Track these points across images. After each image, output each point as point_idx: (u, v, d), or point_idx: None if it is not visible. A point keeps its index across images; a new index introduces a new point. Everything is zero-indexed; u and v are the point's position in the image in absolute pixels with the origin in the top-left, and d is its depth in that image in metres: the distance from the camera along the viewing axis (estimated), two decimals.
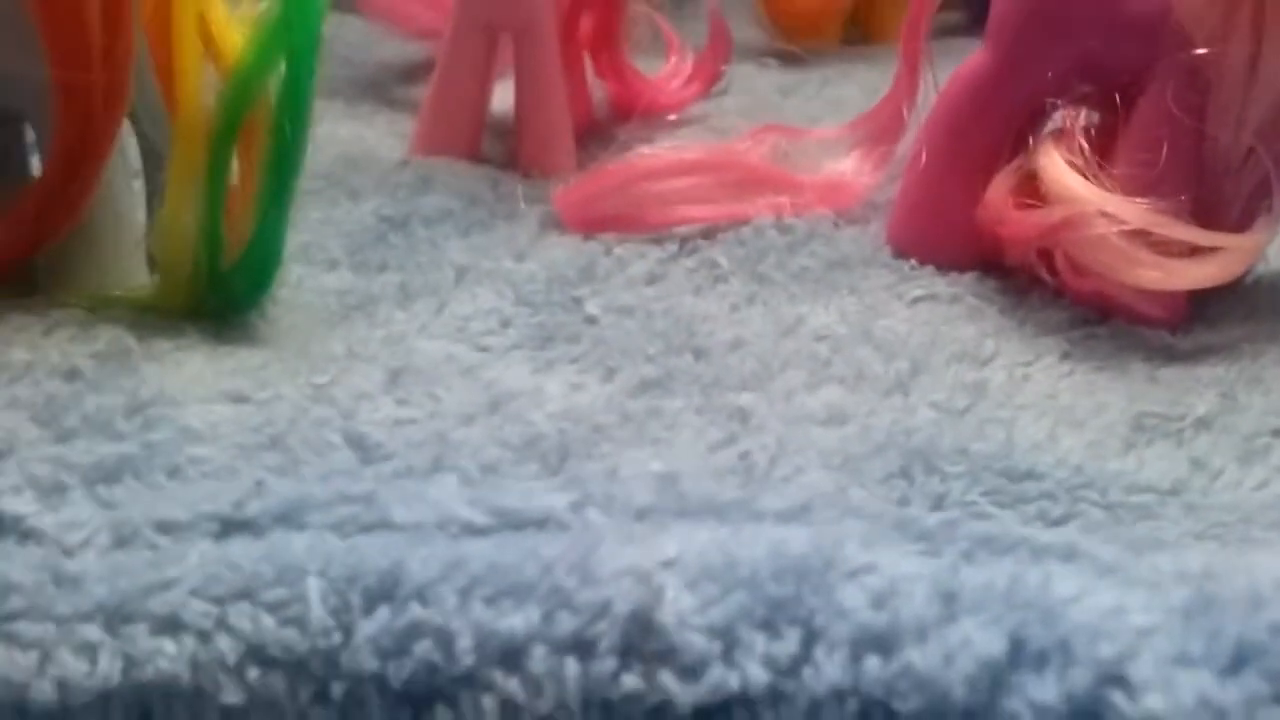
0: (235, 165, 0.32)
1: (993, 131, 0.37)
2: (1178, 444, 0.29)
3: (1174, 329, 0.35)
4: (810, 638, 0.18)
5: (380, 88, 0.55)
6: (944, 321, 0.35)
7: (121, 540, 0.22)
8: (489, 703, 0.18)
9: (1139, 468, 0.28)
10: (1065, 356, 0.33)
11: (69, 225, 0.32)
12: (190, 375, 0.28)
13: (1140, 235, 0.33)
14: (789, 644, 0.18)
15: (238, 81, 0.31)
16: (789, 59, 0.58)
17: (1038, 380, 0.32)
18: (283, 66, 0.31)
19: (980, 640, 0.17)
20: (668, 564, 0.19)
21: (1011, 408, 0.30)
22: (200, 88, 0.31)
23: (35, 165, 0.33)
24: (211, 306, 0.32)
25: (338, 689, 0.19)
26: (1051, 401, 0.31)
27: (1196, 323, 0.35)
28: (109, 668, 0.19)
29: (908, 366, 0.32)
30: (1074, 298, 0.35)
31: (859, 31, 0.63)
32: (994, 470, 0.27)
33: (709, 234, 0.39)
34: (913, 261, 0.38)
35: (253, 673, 0.19)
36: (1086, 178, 0.34)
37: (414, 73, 0.56)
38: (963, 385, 0.31)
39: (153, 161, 0.34)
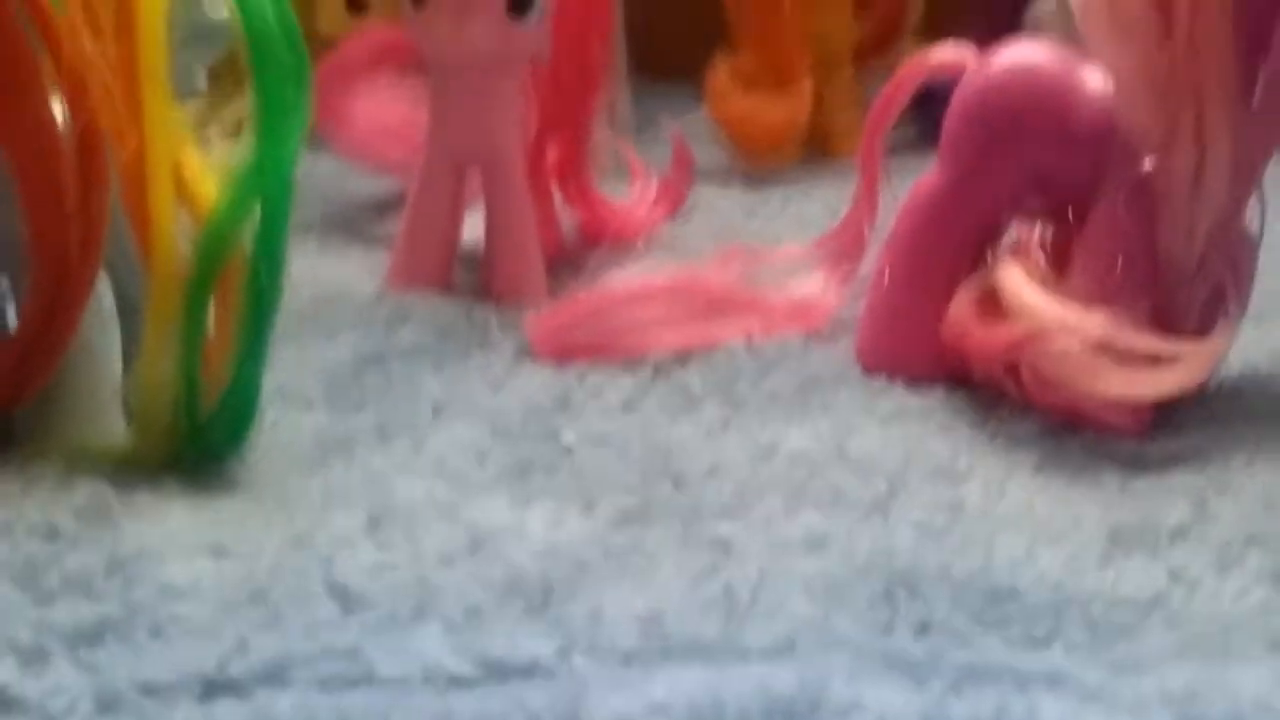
0: (211, 313, 0.32)
1: (951, 248, 0.38)
2: (1154, 555, 0.29)
3: (1142, 437, 0.35)
4: None
5: (354, 223, 0.55)
6: (917, 438, 0.35)
7: (105, 705, 0.22)
8: None
9: (1118, 582, 0.28)
10: (1038, 469, 0.34)
11: (45, 378, 0.32)
12: (170, 529, 0.28)
13: (1102, 346, 0.34)
14: None
15: (213, 230, 0.31)
16: (751, 178, 0.60)
17: (1013, 495, 0.32)
18: (257, 213, 0.31)
19: None
20: (655, 709, 0.19)
21: (990, 524, 0.31)
22: (175, 237, 0.31)
23: (11, 316, 0.33)
24: (189, 455, 0.32)
25: None
26: (1028, 516, 0.31)
27: (1163, 430, 0.35)
28: None
29: (885, 486, 0.32)
30: (1042, 409, 0.36)
31: (817, 148, 0.64)
32: (976, 591, 0.28)
33: (681, 359, 0.39)
34: (882, 378, 0.38)
35: None
36: (1046, 291, 0.35)
37: (386, 207, 0.57)
38: (940, 503, 0.32)
39: (128, 312, 0.34)
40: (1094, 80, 0.36)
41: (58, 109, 0.31)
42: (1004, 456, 0.34)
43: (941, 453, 0.34)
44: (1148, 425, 0.35)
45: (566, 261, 0.49)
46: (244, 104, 0.32)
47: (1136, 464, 0.34)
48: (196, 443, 0.32)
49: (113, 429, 0.33)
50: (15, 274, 0.33)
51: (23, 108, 0.30)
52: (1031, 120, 0.37)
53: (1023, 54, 0.38)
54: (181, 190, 0.32)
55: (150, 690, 0.22)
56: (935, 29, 0.69)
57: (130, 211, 0.32)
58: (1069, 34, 0.40)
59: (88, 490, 0.29)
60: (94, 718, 0.22)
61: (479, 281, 0.47)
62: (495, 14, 0.43)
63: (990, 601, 0.27)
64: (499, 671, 0.21)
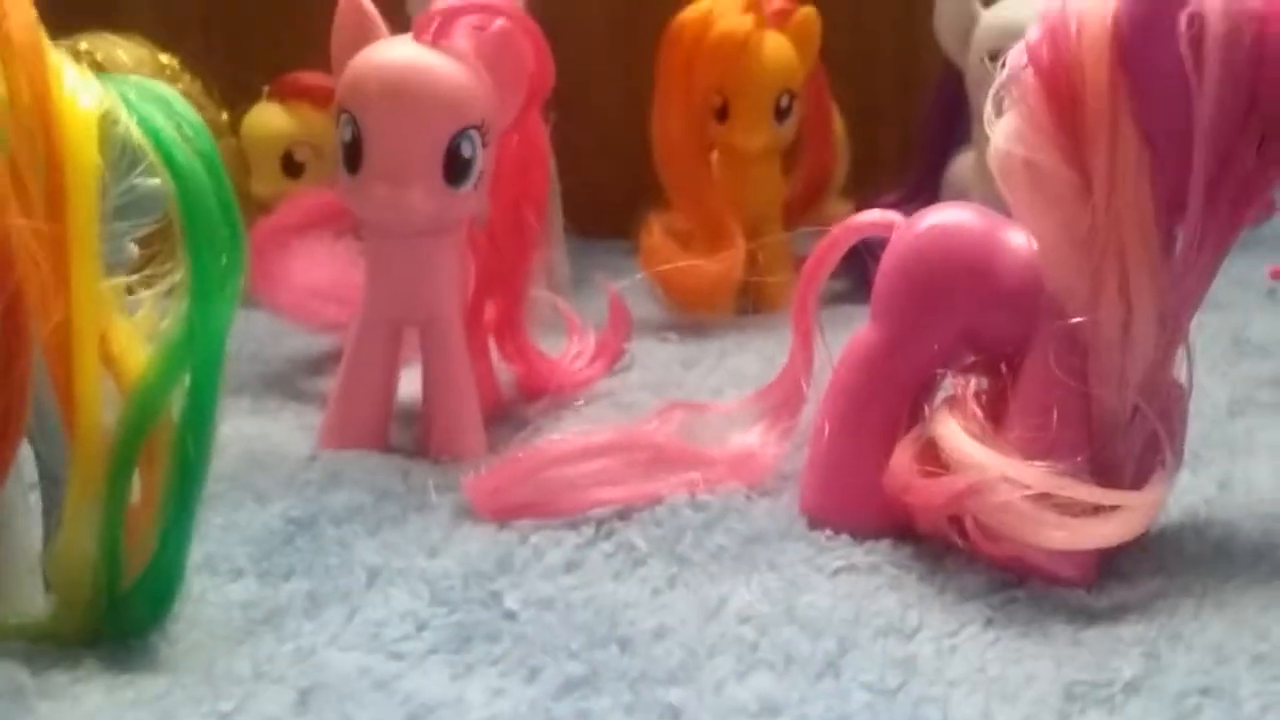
0: (136, 482, 0.31)
1: (888, 402, 0.38)
2: (1110, 711, 0.29)
3: (1088, 587, 0.35)
4: None
5: (286, 381, 0.55)
6: (865, 594, 0.35)
7: None
8: None
9: None
10: (989, 624, 0.33)
11: None
12: (88, 711, 0.27)
13: (1044, 498, 0.34)
14: None
15: (139, 399, 0.30)
16: (688, 330, 0.60)
17: (965, 651, 0.32)
18: (186, 382, 0.31)
19: None
20: None
21: (943, 684, 0.30)
22: (99, 407, 0.30)
23: None
24: (110, 630, 0.30)
25: None
26: (981, 674, 0.31)
27: (1110, 579, 0.35)
28: None
29: (835, 645, 0.32)
30: (989, 561, 0.36)
31: (750, 303, 0.65)
32: None
33: (624, 515, 0.39)
34: (828, 531, 0.38)
35: None
36: (984, 444, 0.35)
37: (320, 364, 0.56)
38: (892, 662, 0.31)
39: (49, 482, 0.33)
40: (1018, 240, 0.37)
41: None
42: (954, 610, 0.34)
43: (891, 608, 0.34)
44: (1094, 575, 0.35)
45: (505, 417, 0.48)
46: (176, 272, 0.31)
47: (1086, 615, 0.34)
48: (118, 617, 0.30)
49: (30, 602, 0.32)
50: None
51: None
52: (959, 280, 0.37)
53: (948, 216, 0.39)
54: (108, 360, 0.31)
55: None
56: (859, 187, 0.72)
57: (55, 381, 0.31)
58: (987, 193, 0.42)
59: (2, 672, 0.27)
60: None
61: (416, 439, 0.46)
62: (432, 180, 0.43)
63: None
64: None
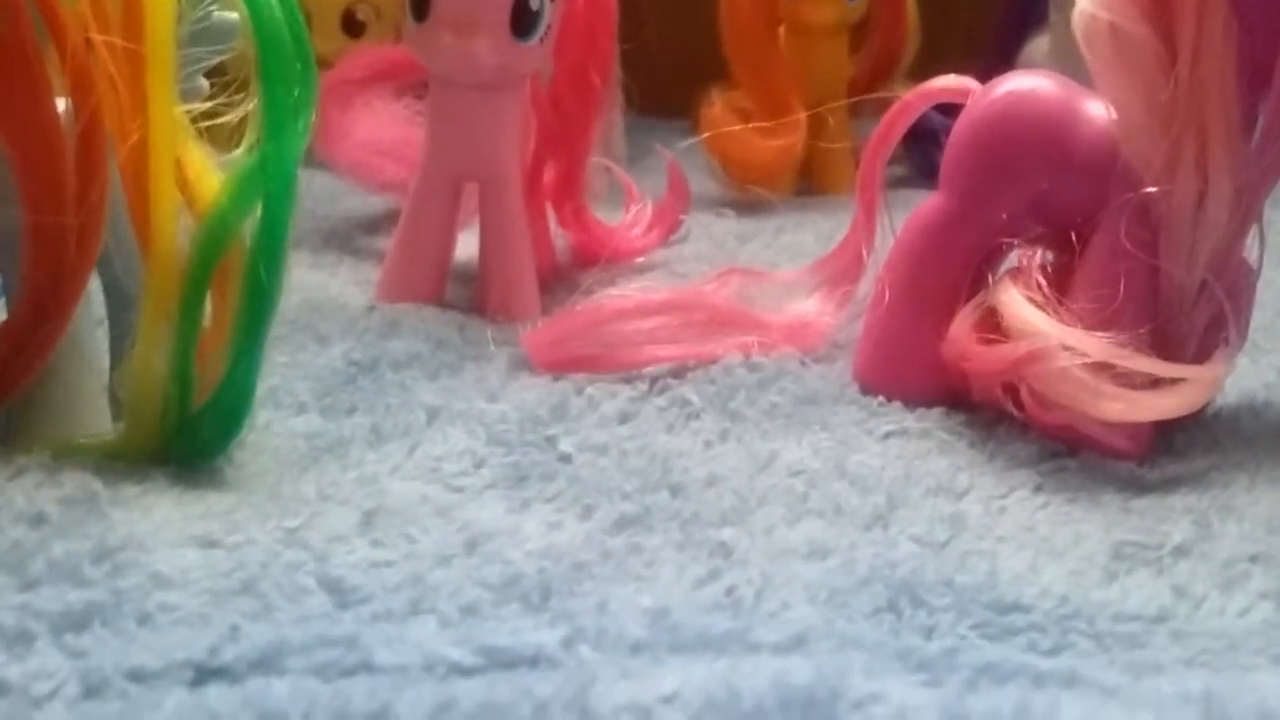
0: (208, 308, 0.31)
1: (951, 271, 0.38)
2: (1158, 572, 0.29)
3: (1141, 461, 0.35)
4: None
5: (344, 238, 0.55)
6: (916, 456, 0.35)
7: (91, 690, 0.21)
8: None
9: (1123, 597, 0.28)
10: (1038, 489, 0.33)
11: (37, 369, 0.31)
12: (158, 520, 0.28)
13: (1102, 368, 0.34)
14: None
15: (213, 224, 0.31)
16: (745, 208, 0.60)
17: (1014, 513, 0.32)
18: (258, 210, 0.31)
19: None
20: (668, 699, 0.18)
21: (991, 540, 0.30)
22: (175, 231, 0.31)
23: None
24: (178, 451, 0.31)
25: None
26: (1030, 533, 0.31)
27: (1163, 455, 0.35)
28: None
29: (884, 500, 0.32)
30: (1041, 431, 0.36)
31: (810, 183, 0.65)
32: (980, 603, 0.27)
33: (679, 373, 0.39)
34: (880, 398, 0.38)
35: None
36: (1046, 313, 0.35)
37: (377, 223, 0.56)
38: (941, 518, 0.31)
39: (120, 304, 0.34)
40: (1095, 109, 0.37)
41: (60, 101, 0.31)
42: (1003, 476, 0.34)
43: (941, 470, 0.34)
44: (1147, 448, 0.35)
45: (558, 282, 0.48)
46: (246, 106, 0.32)
47: (1136, 486, 0.34)
48: (187, 438, 0.31)
49: (99, 423, 0.32)
50: (10, 271, 0.32)
51: (25, 99, 0.30)
52: (1033, 147, 0.37)
53: (1025, 83, 0.38)
54: (182, 185, 0.32)
55: (138, 676, 0.21)
56: (928, 70, 0.70)
57: (131, 203, 0.31)
58: (1063, 73, 0.41)
59: (75, 480, 0.28)
60: (79, 703, 0.21)
61: (471, 299, 0.46)
62: (499, 30, 0.43)
63: (995, 613, 0.27)
64: (502, 661, 0.21)
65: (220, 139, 0.33)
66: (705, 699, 0.18)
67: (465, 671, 0.21)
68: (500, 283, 0.46)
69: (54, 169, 0.30)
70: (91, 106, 0.30)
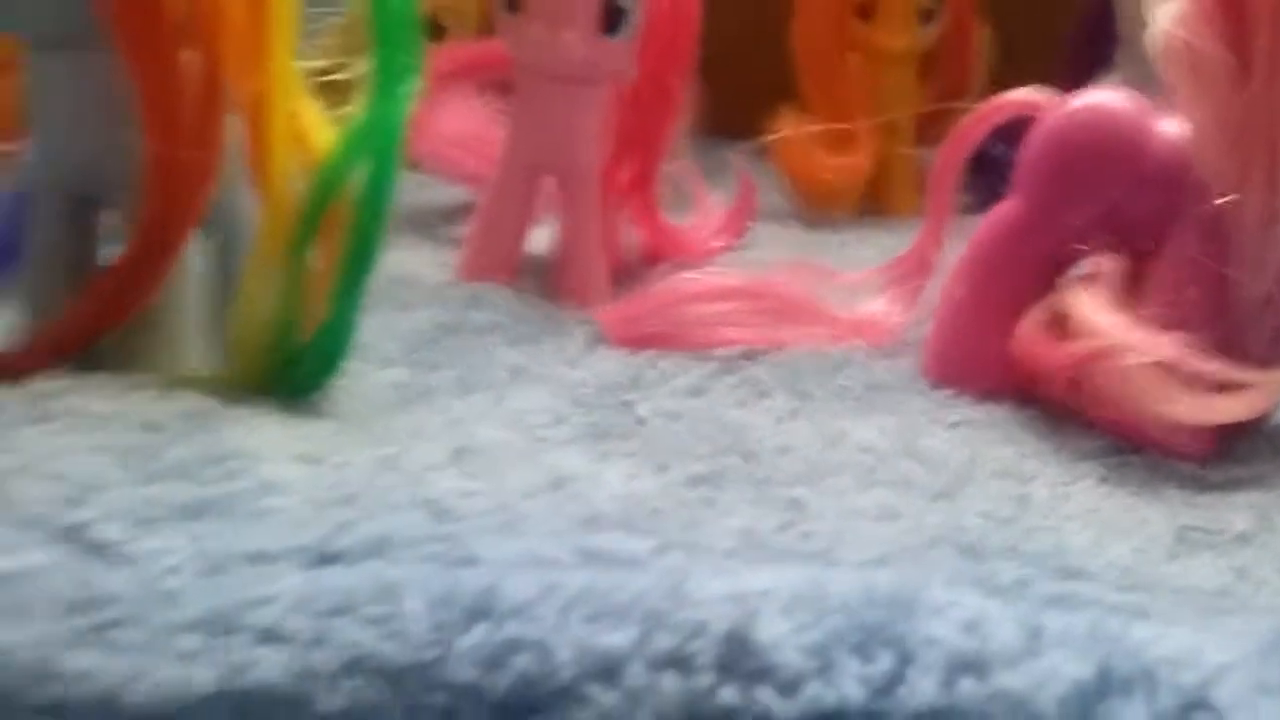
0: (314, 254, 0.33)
1: (1023, 274, 0.39)
2: (1220, 554, 0.30)
3: (1203, 463, 0.36)
4: (904, 659, 0.18)
5: (423, 226, 0.57)
6: (983, 443, 0.36)
7: (214, 567, 0.22)
8: (587, 715, 0.18)
9: (1185, 573, 0.29)
10: (1103, 480, 0.34)
11: (146, 301, 0.33)
12: (265, 437, 0.29)
13: (1169, 370, 0.35)
14: (883, 665, 0.18)
15: (324, 176, 0.33)
16: (810, 223, 0.61)
17: (1079, 498, 0.33)
18: (366, 165, 0.33)
19: (1068, 668, 0.18)
20: (761, 593, 0.19)
21: (1057, 518, 0.31)
22: (289, 178, 0.33)
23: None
24: (279, 387, 0.33)
25: (436, 700, 0.19)
26: (1095, 515, 0.32)
27: (1225, 459, 0.36)
28: (206, 675, 0.19)
29: (952, 479, 0.33)
30: (1105, 429, 0.36)
31: (875, 204, 0.66)
32: (1047, 569, 0.28)
33: (749, 355, 0.40)
34: (948, 391, 0.39)
35: (352, 683, 0.19)
36: (1115, 315, 0.36)
37: (456, 214, 0.58)
38: (1007, 497, 0.32)
39: (232, 247, 0.35)
40: (1169, 125, 0.38)
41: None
42: (1069, 466, 0.35)
43: (1007, 457, 0.35)
44: (1210, 451, 0.36)
45: (626, 278, 0.50)
46: (358, 66, 0.34)
47: (1199, 483, 0.35)
48: (287, 374, 0.33)
49: (202, 360, 0.34)
50: (123, 207, 0.34)
51: (154, 40, 0.32)
52: (1108, 158, 0.38)
53: (1101, 96, 0.39)
54: (297, 138, 0.33)
55: (256, 559, 0.23)
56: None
57: (251, 148, 0.33)
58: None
59: (187, 397, 0.30)
60: (203, 577, 0.22)
61: (544, 288, 0.48)
62: (588, 25, 0.44)
63: (1062, 576, 0.28)
64: (600, 560, 0.22)
65: (332, 97, 0.35)
66: (795, 594, 0.19)
67: (566, 566, 0.22)
68: (574, 273, 0.47)
69: (174, 104, 0.32)
70: (216, 49, 0.32)
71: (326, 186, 0.33)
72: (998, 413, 0.38)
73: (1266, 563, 0.29)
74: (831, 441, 0.35)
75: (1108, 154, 0.38)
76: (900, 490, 0.32)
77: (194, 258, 0.34)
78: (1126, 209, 0.38)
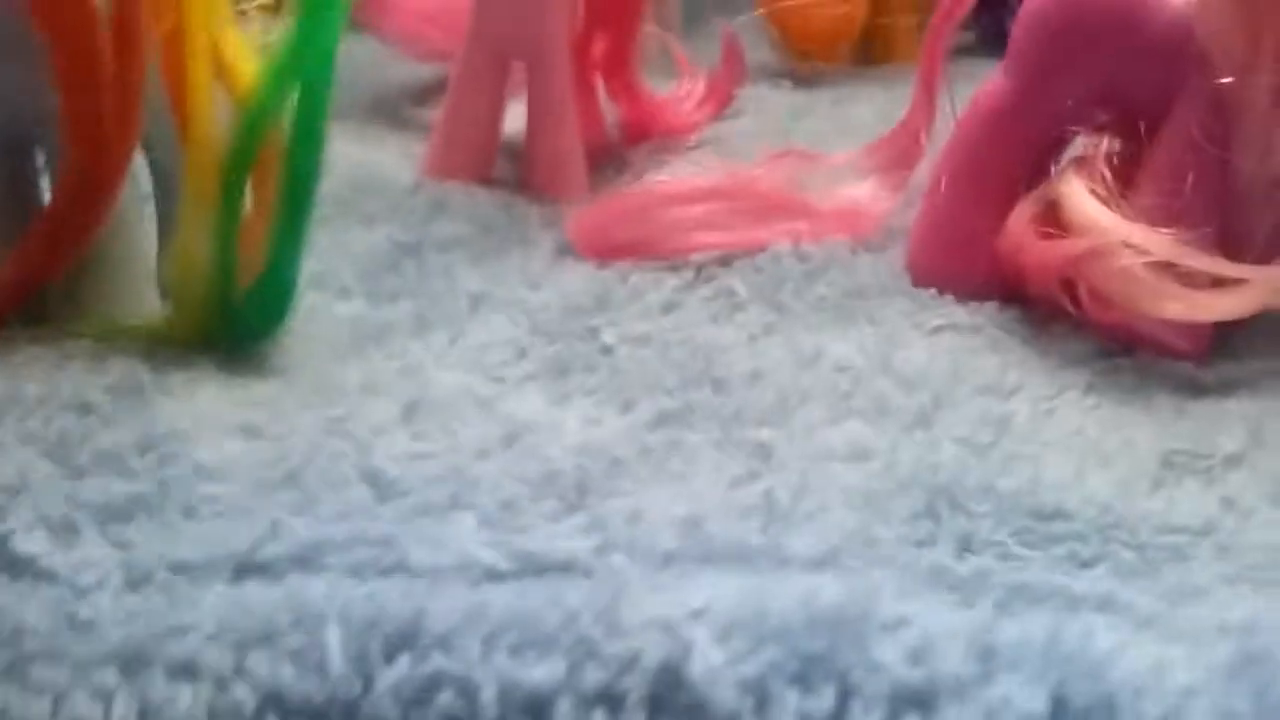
0: (249, 195, 0.31)
1: (1013, 159, 0.37)
2: (1208, 482, 0.28)
3: (1199, 361, 0.34)
4: (846, 693, 0.17)
5: (391, 109, 0.54)
6: (965, 352, 0.34)
7: (135, 582, 0.21)
8: None
9: (1169, 507, 0.27)
10: (1090, 389, 0.33)
11: (80, 251, 0.32)
12: (203, 408, 0.28)
13: (1164, 266, 0.33)
14: (824, 700, 0.17)
15: (251, 110, 0.30)
16: (801, 80, 0.58)
17: (1063, 414, 0.32)
18: (296, 95, 0.31)
19: (1021, 698, 0.17)
20: (696, 614, 0.18)
21: (1037, 444, 0.30)
22: (213, 115, 0.31)
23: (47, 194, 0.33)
24: (224, 338, 0.32)
25: None
26: (1078, 437, 0.30)
27: (1221, 356, 0.34)
28: (124, 713, 0.19)
29: (929, 399, 0.32)
30: (1097, 329, 0.35)
31: (870, 52, 0.63)
32: (1021, 510, 0.27)
33: (725, 261, 0.38)
34: (932, 290, 0.37)
35: None
36: (1110, 207, 0.34)
37: (425, 94, 0.55)
38: (986, 420, 0.31)
39: (165, 189, 0.34)
40: None
41: None
42: (1054, 375, 0.33)
43: (989, 368, 0.33)
44: (1205, 349, 0.34)
45: (609, 158, 0.47)
46: None
47: (1192, 388, 0.33)
48: (231, 325, 0.31)
49: (147, 306, 0.33)
50: (52, 148, 0.32)
51: None
52: (1103, 28, 0.35)
53: None
54: (220, 68, 0.31)
55: (180, 569, 0.22)
56: None
57: (169, 87, 0.31)
58: None
59: (122, 367, 0.29)
60: (124, 593, 0.21)
61: (519, 175, 0.46)
62: None
63: (1036, 520, 0.26)
64: (535, 567, 0.21)
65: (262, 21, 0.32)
66: (733, 617, 0.18)
67: (498, 576, 0.21)
68: (547, 160, 0.45)
69: (89, 49, 0.29)
70: None
71: (254, 122, 0.30)
72: (983, 315, 0.36)
73: (1255, 488, 0.28)
74: (806, 363, 0.33)
75: (1103, 25, 0.35)
76: (873, 420, 0.30)
77: (132, 205, 0.33)
78: (1123, 84, 0.35)
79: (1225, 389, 0.33)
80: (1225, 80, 0.33)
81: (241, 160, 0.30)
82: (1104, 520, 0.27)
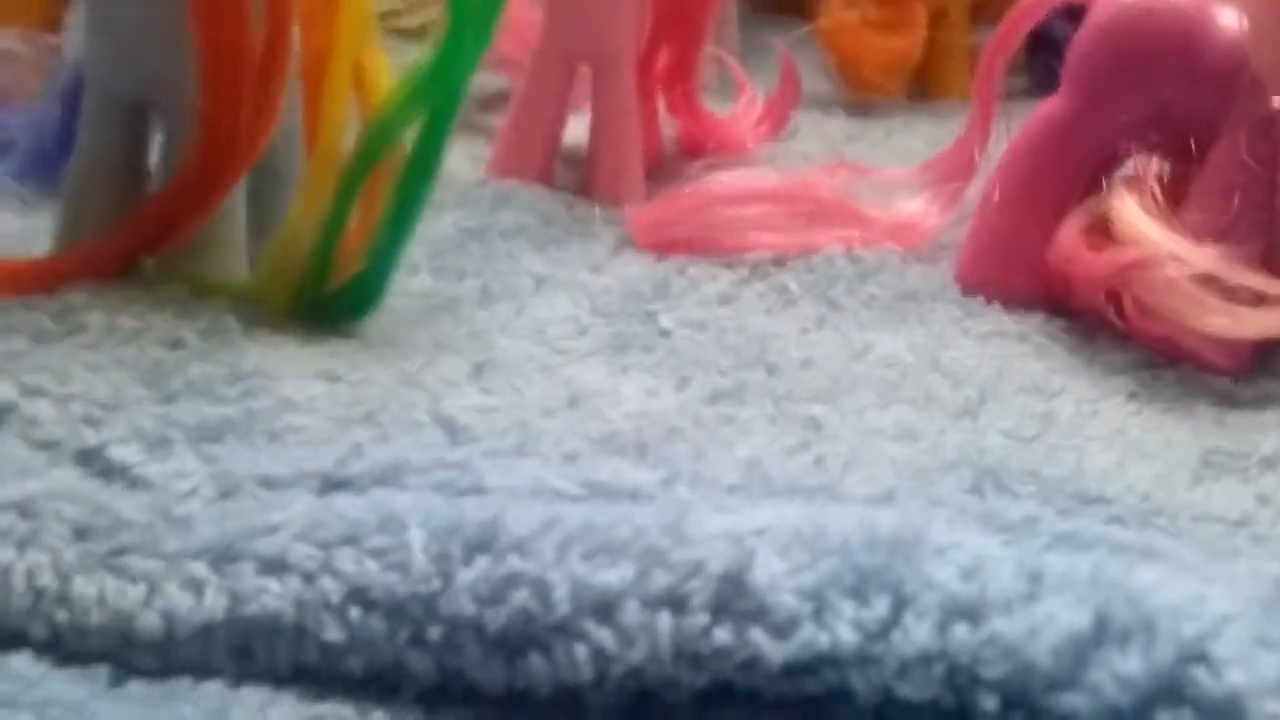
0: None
1: (1067, 175, 0.38)
2: (1244, 480, 0.29)
3: (1238, 377, 0.35)
4: (899, 604, 0.18)
5: (460, 114, 0.56)
6: (1011, 356, 0.35)
7: (226, 491, 0.23)
8: (582, 652, 0.19)
9: (1206, 500, 0.28)
10: (1132, 396, 0.34)
11: (195, 229, 0.33)
12: (287, 355, 0.29)
13: (1209, 281, 0.34)
14: (878, 609, 0.18)
15: (378, 126, 0.31)
16: (855, 109, 0.60)
17: (1105, 416, 0.32)
18: (422, 119, 0.31)
19: (1065, 615, 0.18)
20: (759, 532, 0.19)
21: (1080, 438, 0.31)
22: (343, 128, 0.32)
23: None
24: (305, 318, 0.32)
25: (435, 632, 0.19)
26: (1120, 435, 0.31)
27: (1260, 373, 0.35)
28: (214, 603, 0.20)
29: (976, 394, 0.33)
30: (1140, 340, 0.36)
31: (924, 87, 0.64)
32: (1064, 493, 0.28)
33: (779, 260, 0.40)
34: (980, 299, 0.38)
35: (354, 613, 0.20)
36: (1158, 222, 0.35)
37: (491, 102, 0.57)
38: (1031, 415, 0.32)
39: (272, 182, 0.34)
40: (1227, 18, 0.36)
41: None
42: (1098, 381, 0.34)
43: (1035, 371, 0.34)
44: (1246, 366, 0.35)
45: (666, 170, 0.49)
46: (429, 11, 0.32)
47: (1231, 400, 0.34)
48: (315, 311, 0.32)
49: (233, 274, 0.34)
50: (176, 117, 0.33)
51: (227, 15, 0.30)
52: (1161, 53, 0.36)
53: None
54: (357, 85, 0.32)
55: (269, 482, 0.23)
56: None
57: (307, 97, 0.32)
58: None
59: (212, 314, 0.30)
60: (214, 502, 0.23)
61: (579, 181, 0.47)
62: None
63: (1078, 503, 0.27)
64: (604, 493, 0.22)
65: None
66: (794, 534, 0.19)
67: (570, 498, 0.22)
68: (608, 166, 0.46)
69: (237, 46, 0.30)
70: (284, 7, 0.30)
71: (378, 141, 0.31)
72: (1029, 323, 0.37)
73: None
74: (857, 354, 0.34)
75: (1161, 49, 0.36)
76: (922, 407, 0.31)
77: (239, 185, 0.34)
78: (1177, 107, 0.37)
79: (1263, 402, 0.34)
80: (1275, 103, 0.34)
81: (360, 170, 0.31)
82: (1144, 507, 0.27)
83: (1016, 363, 0.35)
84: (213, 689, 0.20)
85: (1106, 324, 0.36)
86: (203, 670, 0.20)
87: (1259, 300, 0.34)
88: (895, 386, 0.33)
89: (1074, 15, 0.39)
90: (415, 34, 0.33)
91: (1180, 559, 0.20)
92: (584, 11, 0.45)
